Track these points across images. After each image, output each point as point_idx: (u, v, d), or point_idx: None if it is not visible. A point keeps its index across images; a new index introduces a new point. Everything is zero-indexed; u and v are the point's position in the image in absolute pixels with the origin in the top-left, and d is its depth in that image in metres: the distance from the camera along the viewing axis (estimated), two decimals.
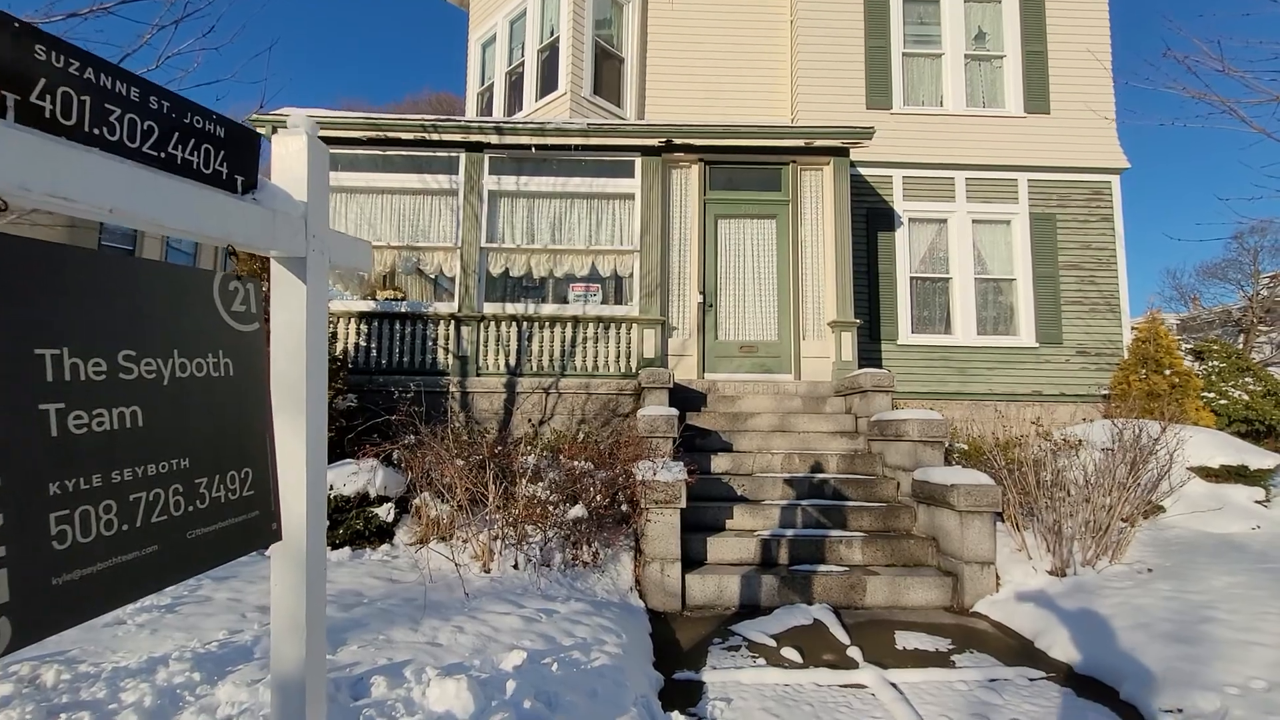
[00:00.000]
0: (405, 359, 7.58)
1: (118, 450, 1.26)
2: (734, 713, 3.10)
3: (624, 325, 7.66)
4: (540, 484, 5.39)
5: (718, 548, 5.08)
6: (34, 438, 1.12)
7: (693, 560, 4.99)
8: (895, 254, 9.26)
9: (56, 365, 1.17)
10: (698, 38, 10.35)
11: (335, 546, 4.95)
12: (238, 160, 1.54)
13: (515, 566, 4.67)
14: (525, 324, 7.66)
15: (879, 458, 6.10)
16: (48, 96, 1.12)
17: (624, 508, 5.31)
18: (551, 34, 10.04)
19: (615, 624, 3.86)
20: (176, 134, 1.36)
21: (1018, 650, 3.92)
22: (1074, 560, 4.71)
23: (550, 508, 4.96)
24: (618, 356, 7.65)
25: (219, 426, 1.49)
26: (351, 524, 5.00)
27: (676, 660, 3.77)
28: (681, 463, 5.06)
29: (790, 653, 3.85)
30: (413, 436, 6.58)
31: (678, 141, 7.78)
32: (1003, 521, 5.28)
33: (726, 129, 7.83)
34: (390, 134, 7.70)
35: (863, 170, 9.35)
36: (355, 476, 5.22)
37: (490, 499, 5.09)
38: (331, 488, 5.12)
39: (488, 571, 4.56)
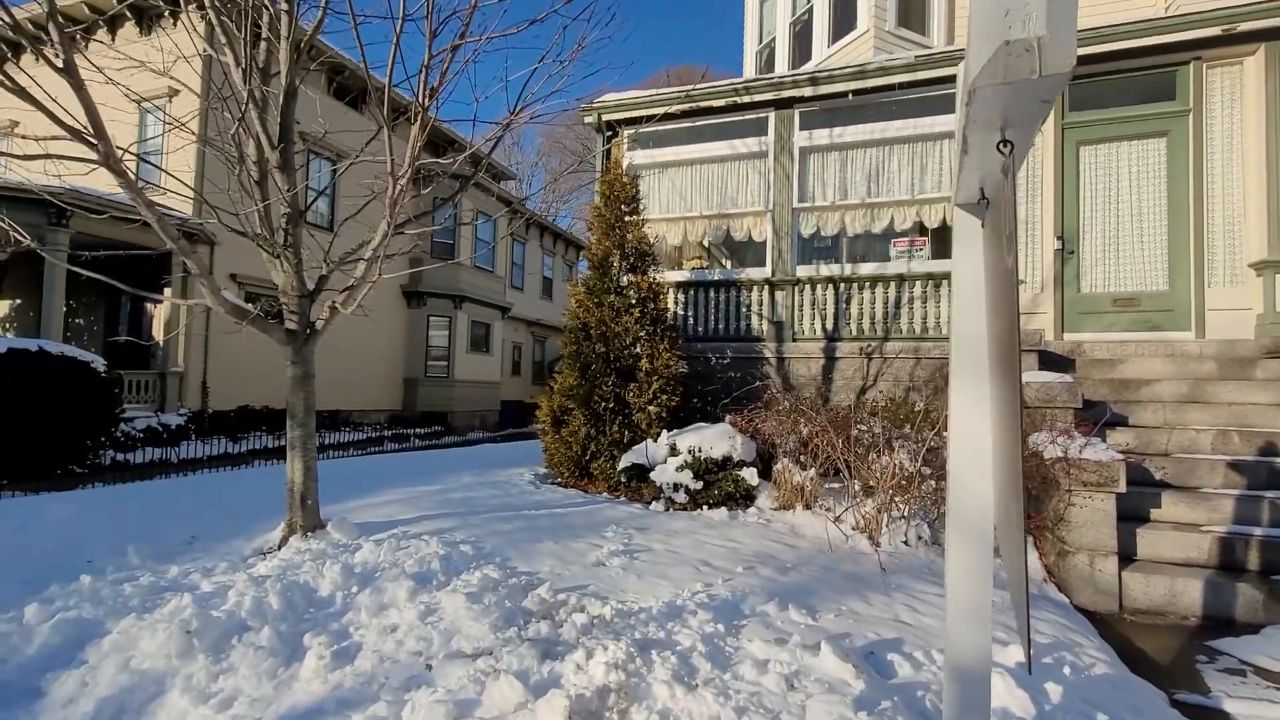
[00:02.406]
0: (720, 326, 7.72)
1: None
2: None
3: None
4: (902, 454, 5.03)
5: (1151, 542, 4.22)
6: None
7: (1119, 555, 4.22)
8: None
9: None
10: None
11: (712, 506, 5.20)
12: None
13: (906, 543, 4.41)
14: (842, 285, 7.25)
15: None
16: None
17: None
18: None
19: (1069, 622, 3.38)
20: None
21: None
22: None
23: (933, 482, 4.58)
24: (949, 317, 6.84)
25: None
26: (723, 485, 5.20)
27: (1162, 677, 3.16)
28: (1102, 439, 4.27)
29: None
30: (755, 404, 6.67)
31: None
32: None
33: (1101, 31, 6.37)
34: (702, 103, 7.75)
35: None
36: (720, 440, 5.40)
37: (856, 469, 4.88)
38: (700, 450, 5.37)
39: (877, 545, 4.36)
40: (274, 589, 3.06)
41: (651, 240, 7.30)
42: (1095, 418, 5.47)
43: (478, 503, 5.13)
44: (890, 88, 7.09)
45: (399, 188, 3.81)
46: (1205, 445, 4.94)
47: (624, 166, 7.08)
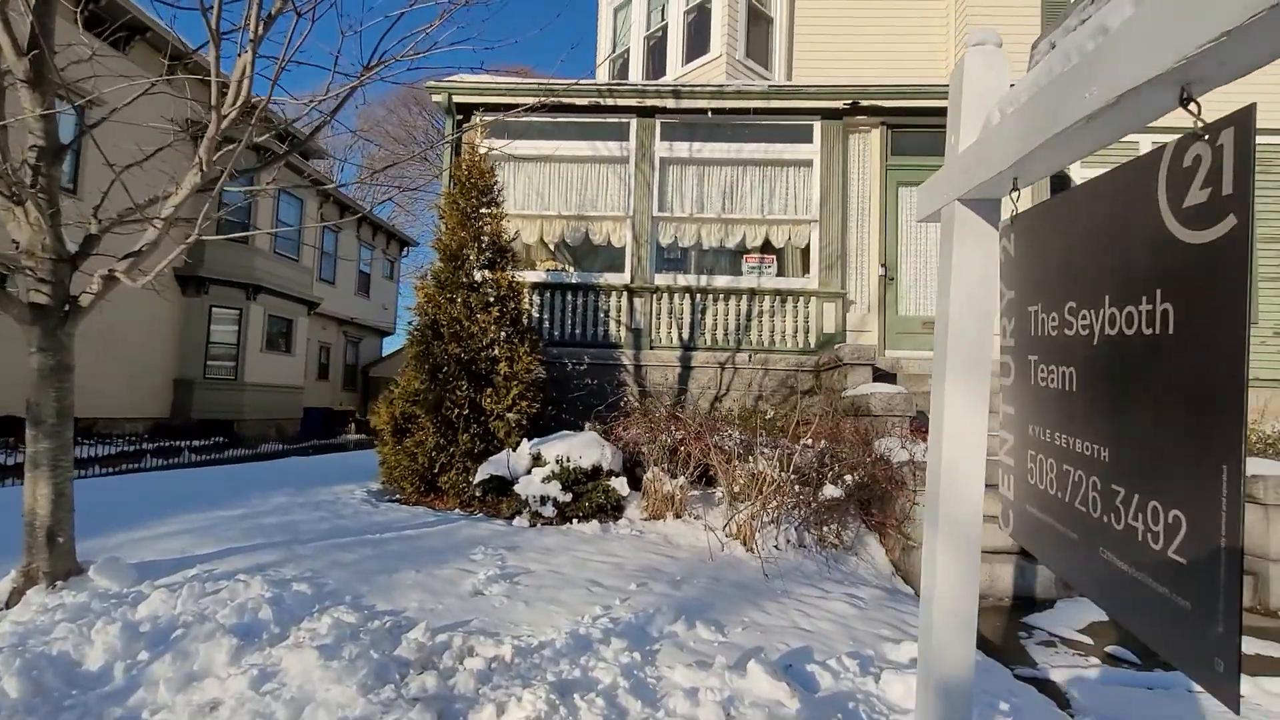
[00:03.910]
0: (578, 331, 7.49)
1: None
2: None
3: (801, 299, 7.37)
4: (762, 461, 5.22)
5: None
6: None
7: None
8: None
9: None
10: None
11: (582, 519, 4.90)
12: None
13: (777, 547, 4.52)
14: (699, 296, 7.45)
15: None
16: None
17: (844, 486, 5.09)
18: None
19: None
20: None
21: None
22: None
23: (797, 488, 4.78)
24: (794, 331, 7.38)
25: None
26: (593, 497, 4.93)
27: (999, 653, 3.56)
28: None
29: (1119, 650, 3.59)
30: (614, 412, 6.51)
31: (863, 104, 7.34)
32: None
33: (916, 89, 7.34)
34: (564, 99, 7.49)
35: None
36: (589, 449, 5.14)
37: (728, 477, 4.95)
38: (569, 459, 5.06)
39: (750, 551, 4.42)
40: (8, 667, 2.15)
41: (510, 236, 6.84)
42: (919, 425, 6.18)
43: (303, 528, 4.26)
44: (745, 111, 7.48)
45: (221, 125, 2.99)
46: (996, 448, 5.80)
47: (481, 154, 6.55)
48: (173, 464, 12.28)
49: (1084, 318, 1.04)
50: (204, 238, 3.23)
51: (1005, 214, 1.47)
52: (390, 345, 26.65)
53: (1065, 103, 0.97)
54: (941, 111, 7.44)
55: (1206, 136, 0.75)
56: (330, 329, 21.81)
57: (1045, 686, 3.19)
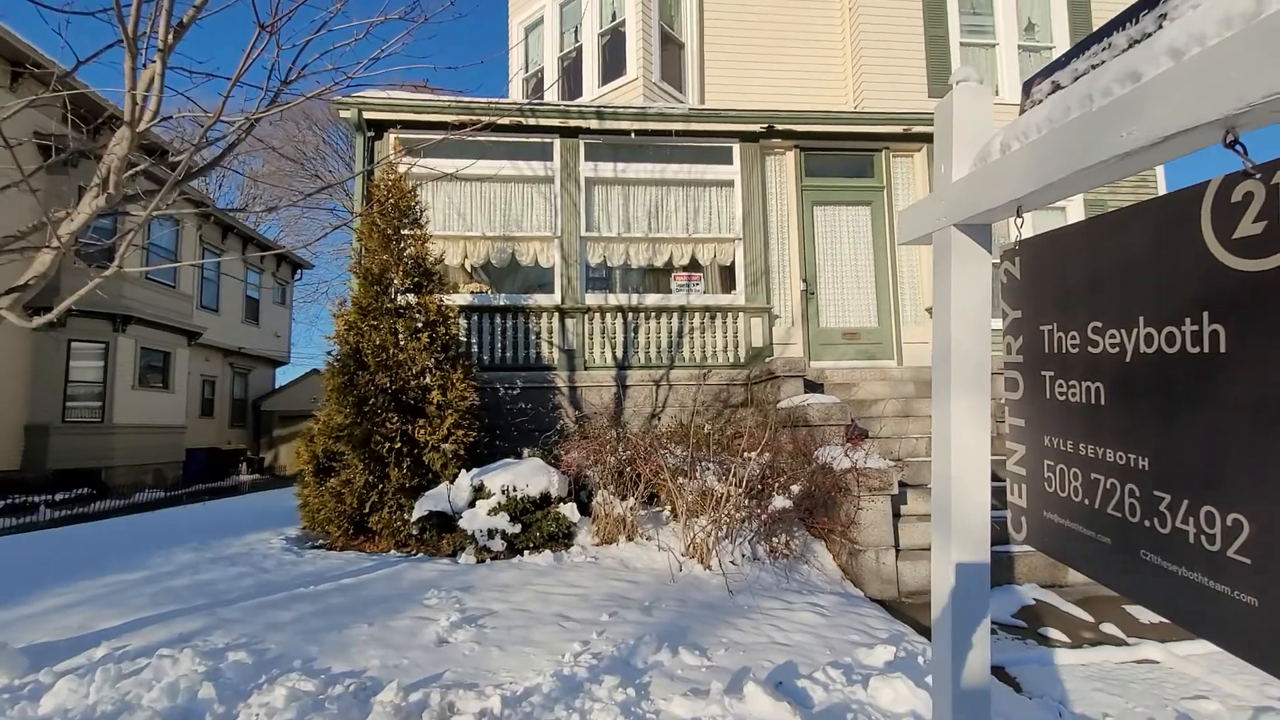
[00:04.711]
0: (509, 354, 7.30)
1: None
2: (1078, 696, 3.12)
3: (730, 314, 7.58)
4: (710, 477, 5.29)
5: (908, 533, 5.10)
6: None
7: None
8: None
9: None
10: (754, 23, 10.28)
11: (533, 549, 4.73)
12: None
13: (733, 563, 4.57)
14: (631, 315, 7.49)
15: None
16: None
17: (790, 496, 5.26)
18: (614, 17, 9.78)
19: (879, 614, 3.84)
20: None
21: None
22: None
23: (746, 501, 4.87)
24: (725, 346, 7.57)
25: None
26: (544, 526, 4.78)
27: None
28: (867, 448, 5.05)
29: (1053, 633, 3.91)
30: (550, 434, 6.38)
31: (778, 128, 7.72)
32: None
33: (826, 114, 7.82)
34: (484, 117, 7.34)
35: None
36: (535, 476, 4.99)
37: (677, 494, 4.96)
38: (516, 488, 4.88)
39: (708, 568, 4.44)
40: None
41: (435, 258, 6.58)
42: (854, 433, 6.49)
43: (223, 587, 3.83)
44: (668, 133, 7.65)
45: (137, 129, 2.67)
46: (922, 450, 6.22)
47: (400, 173, 6.28)
48: (24, 524, 10.68)
49: (1113, 336, 1.13)
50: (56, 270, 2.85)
51: (999, 237, 1.58)
52: (285, 375, 24.78)
53: (1099, 140, 1.05)
54: (850, 136, 7.99)
55: (1259, 175, 0.84)
56: (215, 360, 19.97)
57: (997, 672, 3.41)
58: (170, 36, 2.89)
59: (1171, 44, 0.96)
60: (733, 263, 7.78)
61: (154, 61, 2.84)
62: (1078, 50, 1.24)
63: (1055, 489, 1.34)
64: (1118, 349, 1.12)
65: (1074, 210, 8.91)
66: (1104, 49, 1.16)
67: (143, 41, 2.75)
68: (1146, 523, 1.08)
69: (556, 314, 7.37)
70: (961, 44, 10.06)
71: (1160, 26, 1.08)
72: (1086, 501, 1.24)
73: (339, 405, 5.39)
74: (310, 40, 3.29)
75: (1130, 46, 1.14)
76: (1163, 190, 9.99)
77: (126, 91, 2.64)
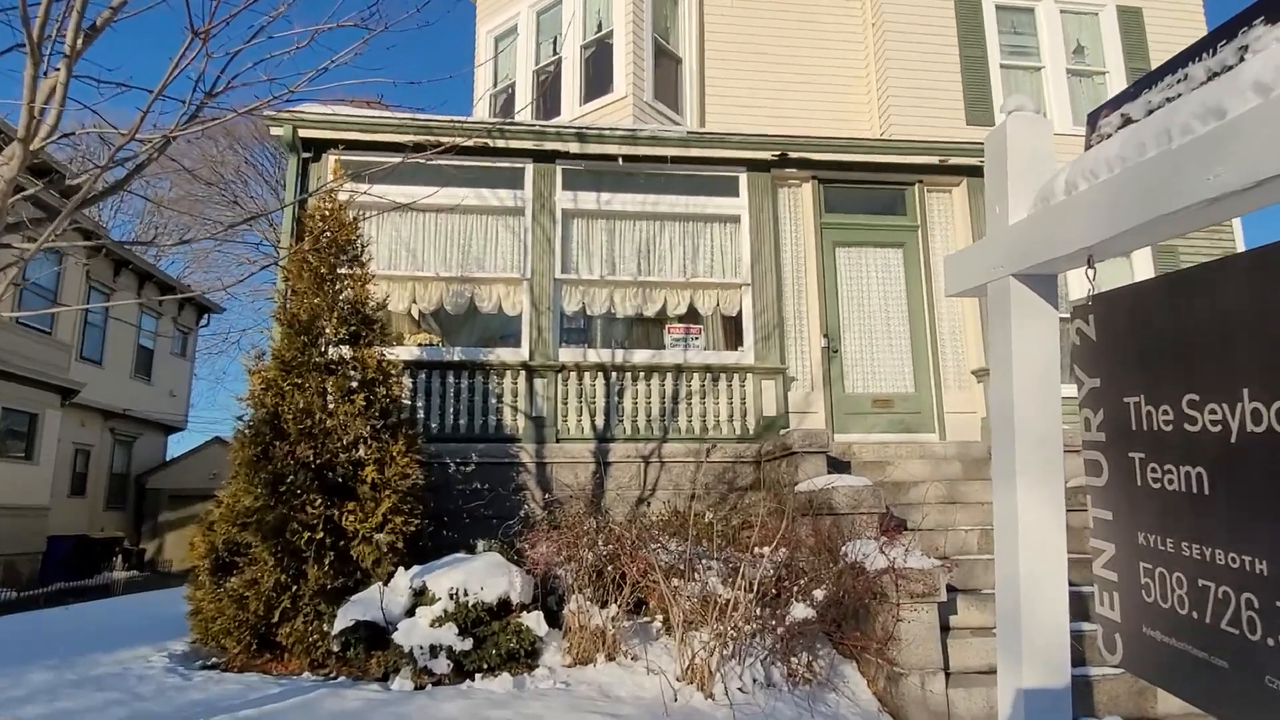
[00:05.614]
0: (463, 421, 7.26)
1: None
2: None
3: (736, 376, 7.64)
4: (716, 578, 5.20)
5: (959, 651, 5.01)
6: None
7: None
8: None
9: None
10: (762, 37, 10.82)
11: (487, 671, 4.56)
12: None
13: (742, 689, 4.43)
14: (614, 374, 7.51)
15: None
16: None
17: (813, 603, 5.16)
18: (600, 27, 10.26)
19: None
20: None
21: None
22: None
23: (757, 609, 4.77)
24: (730, 415, 7.59)
25: None
26: (502, 641, 4.63)
27: None
28: (907, 542, 5.01)
29: None
30: (511, 522, 6.31)
31: (792, 155, 8.00)
32: None
33: (850, 142, 8.16)
34: (444, 138, 7.54)
35: None
36: (492, 577, 4.87)
37: (671, 600, 4.85)
38: (467, 592, 4.75)
39: (711, 697, 4.30)
40: None
41: (378, 302, 6.62)
42: (890, 524, 6.46)
43: None
44: (662, 159, 7.90)
45: (30, 147, 2.70)
46: (974, 545, 6.18)
47: (340, 201, 6.39)
48: None
49: (1212, 411, 1.15)
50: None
51: (1068, 292, 1.63)
52: (180, 444, 24.33)
53: (1181, 182, 1.10)
54: (878, 167, 8.29)
55: None
56: (93, 425, 19.58)
57: None
58: (80, 41, 2.98)
59: (1258, 79, 1.03)
60: (739, 313, 7.90)
61: (58, 69, 2.91)
62: (1149, 80, 1.32)
63: (1155, 598, 1.34)
64: (1220, 427, 1.14)
65: (1140, 260, 9.23)
66: (1180, 79, 1.24)
67: (46, 45, 2.83)
68: (1270, 641, 1.07)
69: (523, 372, 7.37)
70: (1002, 66, 10.66)
71: (1242, 59, 1.16)
72: (1195, 614, 1.23)
73: (248, 483, 5.28)
74: (243, 48, 3.40)
75: (1210, 79, 1.22)
76: (1240, 238, 10.42)
77: (24, 104, 2.70)
